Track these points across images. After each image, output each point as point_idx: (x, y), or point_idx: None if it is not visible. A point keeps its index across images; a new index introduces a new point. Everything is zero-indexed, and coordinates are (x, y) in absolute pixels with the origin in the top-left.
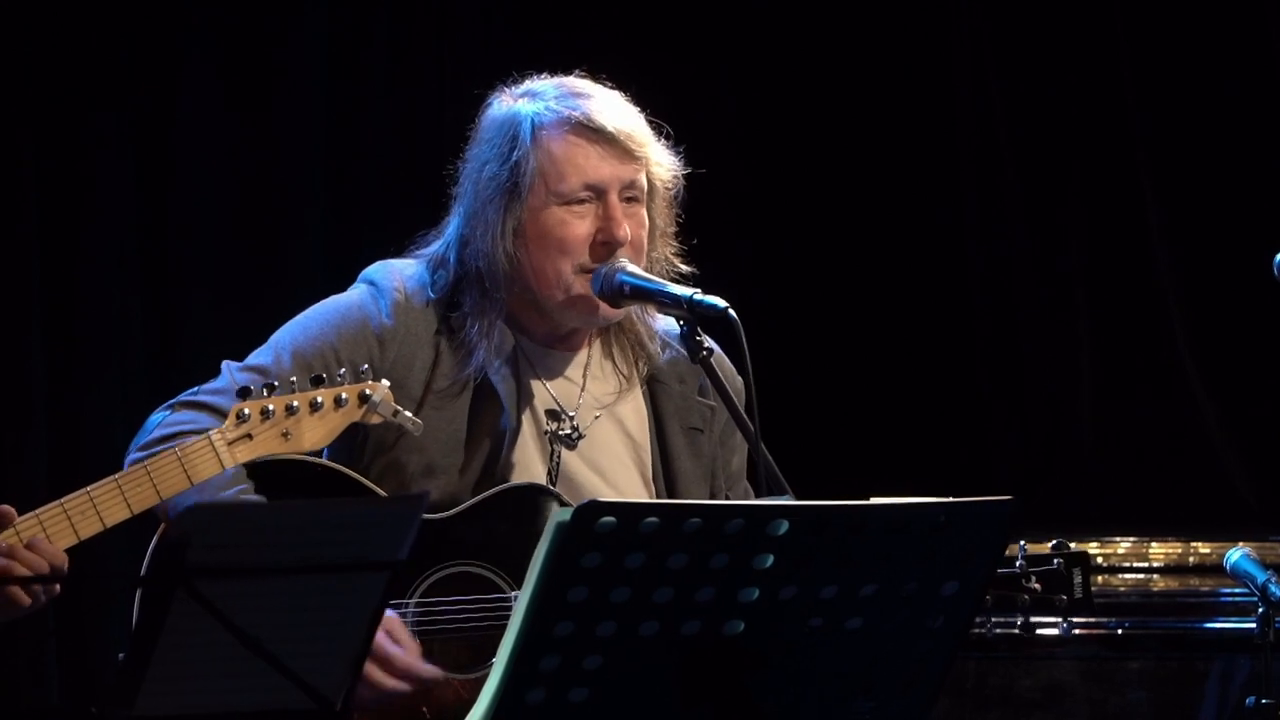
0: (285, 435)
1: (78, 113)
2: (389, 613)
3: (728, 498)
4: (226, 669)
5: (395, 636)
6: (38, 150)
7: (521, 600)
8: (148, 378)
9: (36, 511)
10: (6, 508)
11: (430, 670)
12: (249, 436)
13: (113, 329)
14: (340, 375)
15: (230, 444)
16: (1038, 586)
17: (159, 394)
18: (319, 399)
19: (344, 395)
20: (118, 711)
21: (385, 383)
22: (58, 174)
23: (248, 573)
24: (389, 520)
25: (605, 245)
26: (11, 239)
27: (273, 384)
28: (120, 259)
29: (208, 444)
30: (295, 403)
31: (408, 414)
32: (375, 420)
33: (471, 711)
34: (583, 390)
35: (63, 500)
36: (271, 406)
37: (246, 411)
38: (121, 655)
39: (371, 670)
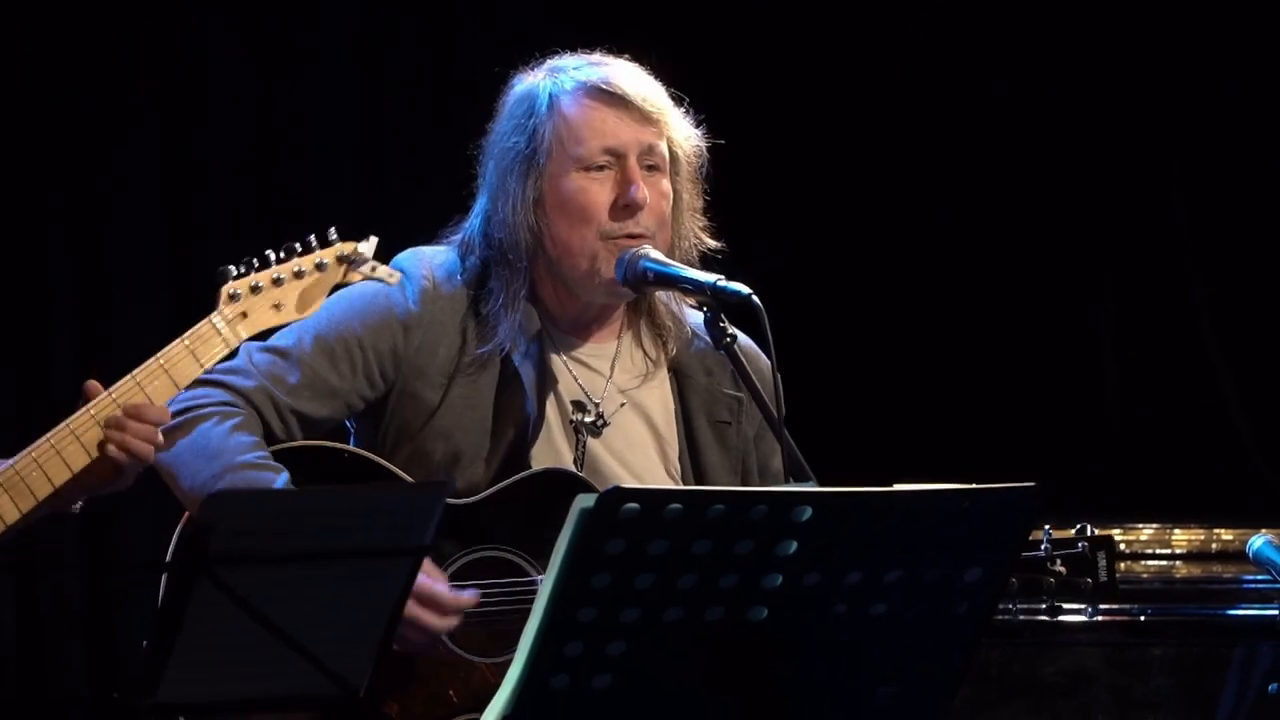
0: (277, 307)
1: (104, 98)
2: None
3: None
4: (250, 655)
5: (427, 571)
6: (64, 143)
7: (545, 586)
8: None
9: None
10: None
11: (462, 598)
12: (245, 315)
13: (140, 315)
14: (325, 238)
15: (229, 322)
16: (1063, 570)
17: None
18: (300, 267)
19: (324, 260)
20: (141, 698)
21: (373, 240)
22: (84, 159)
23: (271, 560)
24: (413, 506)
25: (625, 208)
26: (38, 231)
27: (250, 263)
28: (147, 248)
29: (210, 326)
30: (280, 274)
31: (385, 268)
32: (356, 278)
33: (496, 696)
34: (609, 380)
35: (48, 436)
36: (259, 281)
37: (237, 290)
38: (145, 642)
39: (421, 613)
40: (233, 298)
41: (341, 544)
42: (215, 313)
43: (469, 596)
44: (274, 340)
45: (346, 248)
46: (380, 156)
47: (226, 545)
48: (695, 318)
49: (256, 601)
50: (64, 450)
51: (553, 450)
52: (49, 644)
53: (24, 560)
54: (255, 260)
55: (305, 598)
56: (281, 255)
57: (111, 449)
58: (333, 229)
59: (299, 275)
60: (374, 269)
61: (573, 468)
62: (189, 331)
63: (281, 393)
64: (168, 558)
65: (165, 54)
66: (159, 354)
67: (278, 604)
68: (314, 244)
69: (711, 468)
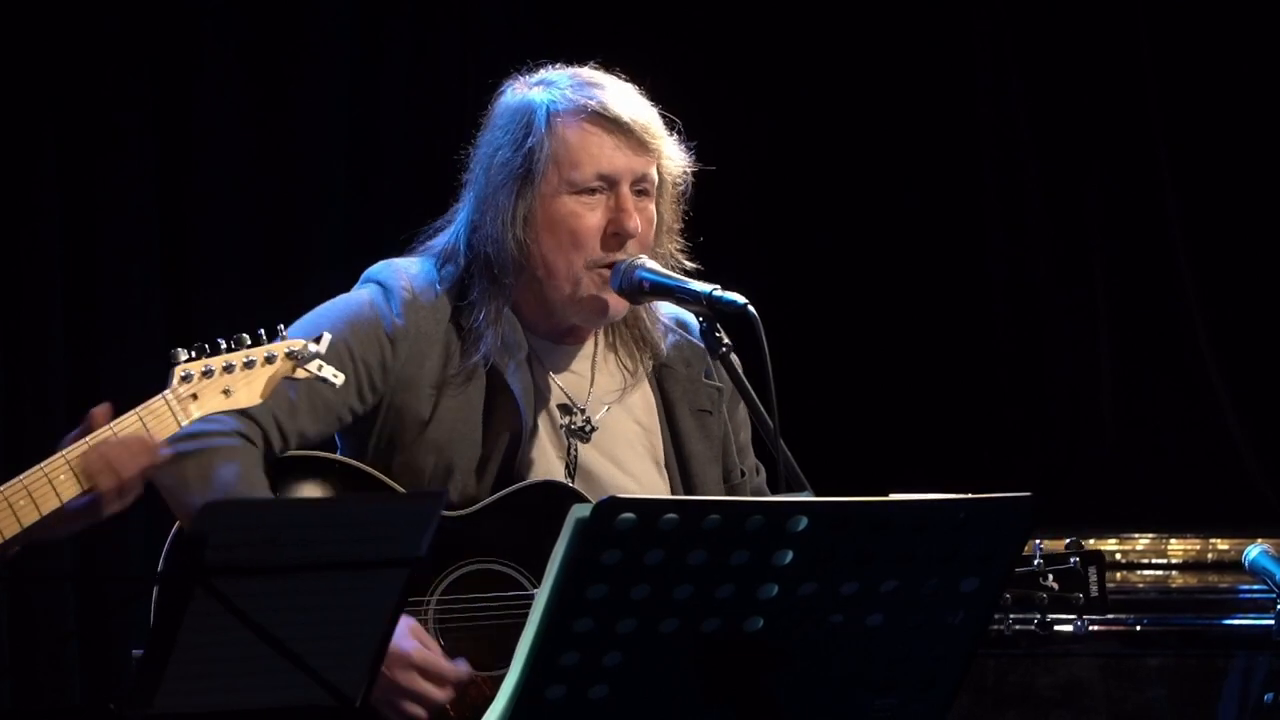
0: (226, 393)
1: (99, 102)
2: (409, 620)
3: (741, 474)
4: (245, 666)
5: (424, 642)
6: (59, 145)
7: (541, 597)
8: (168, 374)
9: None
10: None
11: (461, 671)
12: (195, 396)
13: (133, 321)
14: (276, 332)
15: (180, 401)
16: (1055, 585)
17: None
18: (251, 357)
19: (273, 352)
20: (136, 709)
21: (327, 337)
22: (79, 163)
23: (265, 570)
24: (408, 517)
25: (615, 236)
26: (33, 238)
27: (204, 346)
28: (141, 251)
29: (164, 404)
30: (232, 362)
31: (330, 368)
32: (302, 375)
33: (491, 707)
34: (591, 383)
35: (41, 465)
36: (212, 366)
37: (190, 372)
38: (140, 653)
39: (413, 679)
40: (185, 379)
41: (336, 554)
42: (168, 390)
43: (464, 669)
44: None
45: (296, 344)
46: (373, 167)
47: (220, 556)
48: (669, 309)
49: (252, 612)
50: (55, 480)
51: (544, 458)
52: (44, 655)
53: (18, 570)
54: (207, 345)
55: (300, 608)
56: (233, 344)
57: (99, 471)
58: (282, 325)
59: (249, 365)
60: (320, 367)
61: (564, 478)
62: (143, 405)
63: (284, 413)
64: (160, 569)
65: (160, 65)
66: (112, 423)
67: (273, 614)
68: (264, 338)
69: (695, 458)
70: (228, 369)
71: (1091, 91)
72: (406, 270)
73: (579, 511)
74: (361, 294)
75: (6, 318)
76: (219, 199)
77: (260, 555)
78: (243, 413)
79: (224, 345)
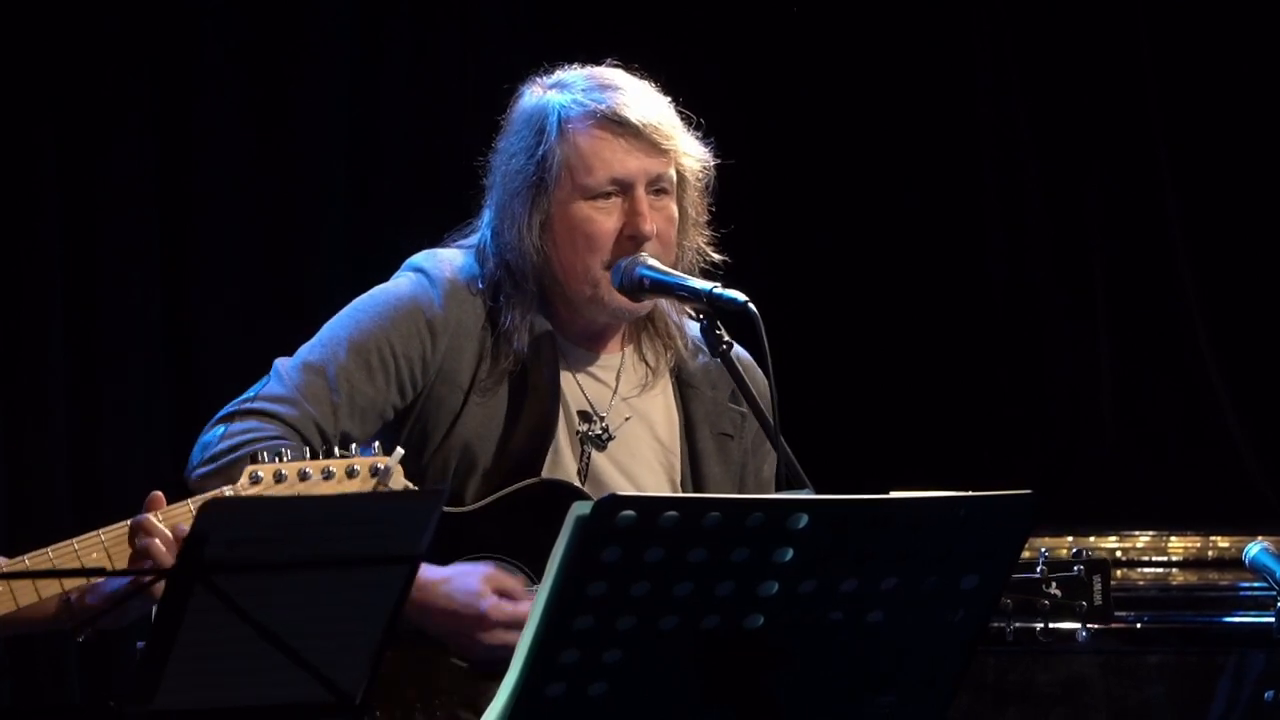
0: None
1: (99, 102)
2: (485, 568)
3: None
4: (245, 663)
5: (493, 589)
6: (59, 145)
7: (541, 594)
8: (168, 374)
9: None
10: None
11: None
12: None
13: (133, 325)
14: (362, 449)
15: None
16: (1058, 593)
17: (179, 390)
18: (331, 469)
19: (356, 466)
20: (136, 706)
21: (400, 452)
22: (79, 163)
23: (266, 567)
24: (408, 514)
25: (632, 239)
26: (33, 239)
27: (281, 450)
28: (141, 255)
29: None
30: (309, 469)
31: (415, 489)
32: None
33: (491, 704)
34: (615, 392)
35: (74, 540)
36: (285, 472)
37: (260, 474)
38: (140, 648)
39: (495, 635)
40: (254, 480)
41: (335, 551)
42: (230, 486)
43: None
44: (310, 356)
45: (382, 460)
46: (373, 167)
47: (221, 553)
48: (696, 330)
49: (252, 609)
50: (84, 556)
51: (559, 462)
52: (44, 655)
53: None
54: (288, 451)
55: (301, 605)
56: (320, 454)
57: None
58: (376, 442)
59: (327, 476)
60: (405, 488)
61: (575, 479)
62: (197, 498)
63: (326, 418)
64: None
65: (160, 65)
66: (159, 510)
67: (274, 611)
68: (354, 450)
69: (712, 479)
70: (303, 476)
71: (1091, 91)
72: (451, 261)
73: (579, 509)
74: (401, 283)
75: (6, 318)
76: (219, 199)
77: (260, 552)
78: (284, 422)
79: (307, 453)
